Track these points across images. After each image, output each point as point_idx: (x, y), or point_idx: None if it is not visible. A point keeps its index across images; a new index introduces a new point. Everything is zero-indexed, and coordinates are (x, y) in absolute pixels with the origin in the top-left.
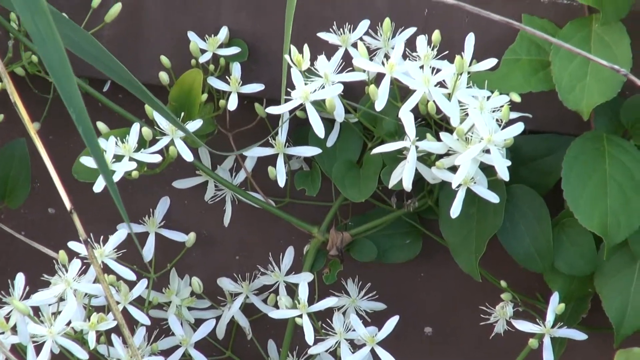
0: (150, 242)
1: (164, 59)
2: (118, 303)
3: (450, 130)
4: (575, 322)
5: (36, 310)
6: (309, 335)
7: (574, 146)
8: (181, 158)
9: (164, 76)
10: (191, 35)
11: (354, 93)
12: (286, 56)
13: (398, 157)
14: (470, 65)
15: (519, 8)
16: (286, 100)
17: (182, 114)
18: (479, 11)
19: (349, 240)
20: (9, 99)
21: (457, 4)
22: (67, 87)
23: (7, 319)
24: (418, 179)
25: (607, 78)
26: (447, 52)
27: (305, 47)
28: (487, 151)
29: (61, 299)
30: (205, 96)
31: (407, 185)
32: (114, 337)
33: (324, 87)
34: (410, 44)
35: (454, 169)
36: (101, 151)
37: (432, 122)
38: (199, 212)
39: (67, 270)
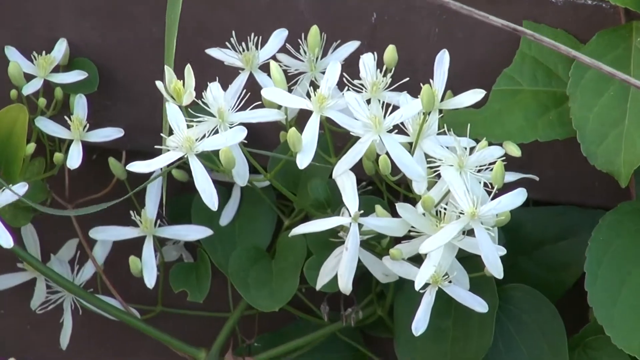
0: None
1: None
2: None
3: (413, 200)
4: None
5: None
6: None
7: (604, 225)
8: None
9: None
10: (10, 51)
11: (264, 141)
12: (159, 84)
13: (331, 241)
14: (443, 99)
15: (520, 12)
16: (159, 152)
17: None
18: (461, 7)
19: None
20: None
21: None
22: None
23: None
24: (362, 274)
25: None
26: (407, 78)
27: (188, 70)
28: (470, 232)
29: None
30: (32, 146)
31: (346, 286)
32: None
33: (217, 132)
34: (351, 65)
35: (417, 259)
36: None
37: (384, 188)
38: (22, 327)
39: None
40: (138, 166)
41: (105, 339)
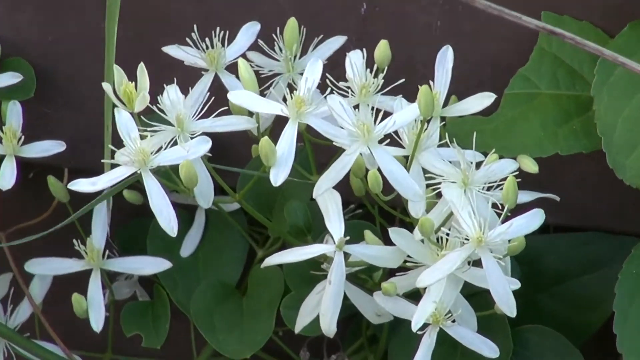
0: None
1: None
2: None
3: (409, 226)
4: None
5: None
6: None
7: (637, 256)
8: None
9: None
10: None
11: (232, 156)
12: (106, 85)
13: (312, 274)
14: (445, 104)
15: (540, 2)
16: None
17: None
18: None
19: None
20: None
21: None
22: None
23: None
24: (350, 315)
25: None
26: (403, 80)
27: (141, 70)
28: (477, 263)
29: None
30: None
31: (329, 327)
32: None
33: (176, 144)
34: (337, 66)
35: (415, 295)
36: None
37: (375, 211)
38: None
39: None
40: (82, 184)
41: None
